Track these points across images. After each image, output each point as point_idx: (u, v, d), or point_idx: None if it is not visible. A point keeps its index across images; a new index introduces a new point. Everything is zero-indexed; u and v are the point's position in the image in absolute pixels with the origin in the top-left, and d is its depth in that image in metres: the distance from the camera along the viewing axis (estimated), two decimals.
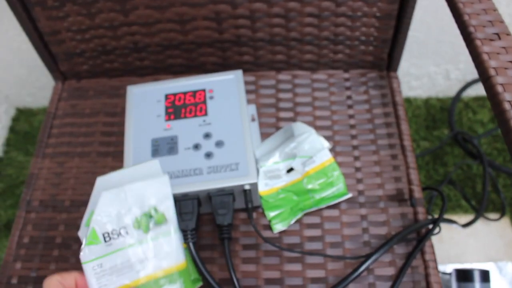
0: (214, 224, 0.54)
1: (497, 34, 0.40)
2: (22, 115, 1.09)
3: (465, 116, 0.99)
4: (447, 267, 0.85)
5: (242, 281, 0.51)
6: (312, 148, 0.55)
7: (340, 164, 0.57)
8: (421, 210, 0.55)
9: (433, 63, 0.94)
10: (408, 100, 1.02)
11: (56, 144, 0.63)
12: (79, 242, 0.55)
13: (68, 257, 0.55)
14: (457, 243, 0.89)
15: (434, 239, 0.89)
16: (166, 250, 0.44)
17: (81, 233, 0.48)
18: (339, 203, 0.55)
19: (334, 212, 0.55)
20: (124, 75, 0.69)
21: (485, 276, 0.77)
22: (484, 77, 0.38)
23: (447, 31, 0.87)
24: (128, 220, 0.43)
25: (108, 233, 0.43)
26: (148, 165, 0.48)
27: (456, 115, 1.00)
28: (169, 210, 0.45)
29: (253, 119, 0.61)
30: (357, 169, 0.57)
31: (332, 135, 0.60)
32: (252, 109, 0.62)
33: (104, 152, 0.62)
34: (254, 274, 0.52)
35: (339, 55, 0.64)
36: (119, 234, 0.43)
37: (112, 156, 0.61)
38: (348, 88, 0.64)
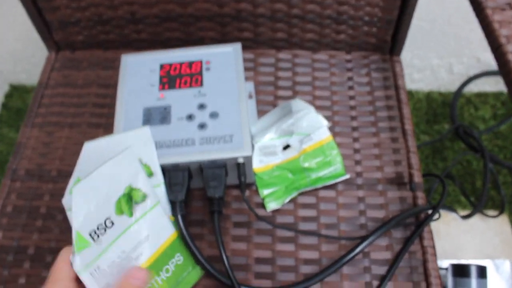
0: (205, 200, 0.52)
1: (508, 4, 0.38)
2: (16, 92, 1.06)
3: (466, 112, 0.98)
4: (444, 263, 0.83)
5: (232, 259, 0.49)
6: (310, 126, 0.53)
7: (338, 145, 0.55)
8: (420, 195, 0.53)
9: (436, 55, 0.93)
10: (409, 93, 1.00)
11: (46, 114, 0.61)
12: (63, 213, 0.53)
13: (52, 228, 0.52)
14: (454, 239, 0.87)
15: None
16: (156, 226, 0.41)
17: (65, 201, 0.46)
18: (336, 184, 0.53)
19: (331, 193, 0.53)
20: (120, 48, 0.66)
21: (482, 272, 0.75)
22: (495, 45, 0.36)
23: (452, 22, 0.86)
24: (110, 209, 0.40)
25: (95, 231, 0.39)
26: (138, 132, 0.46)
27: (457, 110, 0.98)
28: (144, 184, 0.42)
29: (250, 96, 0.60)
30: (356, 151, 0.56)
31: (331, 116, 0.58)
32: (250, 86, 0.60)
33: (95, 123, 0.60)
34: (245, 252, 0.50)
35: (342, 36, 0.62)
36: (105, 228, 0.39)
37: (103, 128, 0.59)
38: (349, 70, 0.62)
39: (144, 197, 0.41)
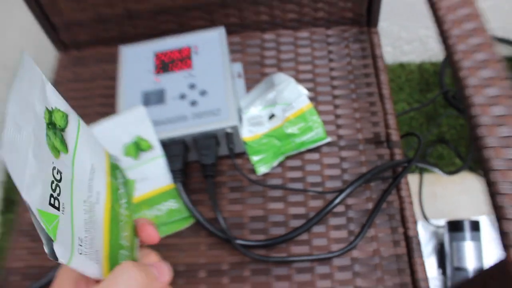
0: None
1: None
2: None
3: None
4: (441, 222, 0.87)
5: (229, 220, 0.55)
6: (291, 96, 0.58)
7: (321, 113, 0.61)
8: (398, 151, 0.58)
9: (423, 25, 0.96)
10: (401, 65, 1.04)
11: None
12: None
13: None
14: (451, 200, 0.91)
15: (428, 196, 0.91)
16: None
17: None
18: (320, 147, 0.58)
19: (315, 156, 0.58)
20: (121, 43, 0.73)
21: (475, 225, 0.80)
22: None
23: None
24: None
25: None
26: (134, 111, 0.52)
27: (450, 79, 1.02)
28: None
29: (239, 76, 0.65)
30: (338, 116, 0.61)
31: (314, 87, 0.63)
32: (238, 67, 0.66)
33: (103, 112, 0.66)
34: (240, 213, 0.56)
35: (320, 13, 0.67)
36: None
37: (111, 116, 0.66)
38: (330, 44, 0.67)
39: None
